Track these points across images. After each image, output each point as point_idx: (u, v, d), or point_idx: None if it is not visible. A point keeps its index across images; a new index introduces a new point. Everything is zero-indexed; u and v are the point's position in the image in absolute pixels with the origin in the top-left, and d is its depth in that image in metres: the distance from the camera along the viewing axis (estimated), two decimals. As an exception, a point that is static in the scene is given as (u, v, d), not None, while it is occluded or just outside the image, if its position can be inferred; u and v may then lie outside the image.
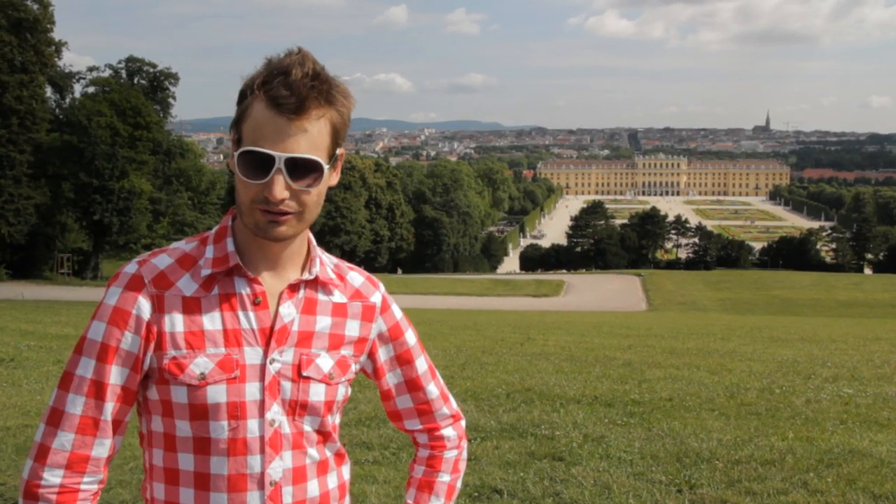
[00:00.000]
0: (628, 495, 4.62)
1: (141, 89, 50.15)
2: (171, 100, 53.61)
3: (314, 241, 1.50)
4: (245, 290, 1.41)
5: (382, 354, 1.58)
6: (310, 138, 1.33)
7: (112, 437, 1.39)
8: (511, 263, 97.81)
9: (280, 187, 1.31)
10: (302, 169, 1.33)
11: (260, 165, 1.31)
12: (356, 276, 1.56)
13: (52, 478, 1.35)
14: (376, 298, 1.56)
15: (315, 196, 1.37)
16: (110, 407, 1.37)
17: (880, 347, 13.45)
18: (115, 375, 1.37)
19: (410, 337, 1.61)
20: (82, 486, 1.37)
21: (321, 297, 1.48)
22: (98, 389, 1.36)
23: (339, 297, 1.51)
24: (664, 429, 6.28)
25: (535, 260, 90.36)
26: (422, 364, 1.62)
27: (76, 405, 1.36)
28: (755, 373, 9.66)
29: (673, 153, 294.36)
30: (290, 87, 1.30)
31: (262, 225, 1.35)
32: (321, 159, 1.34)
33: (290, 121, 1.31)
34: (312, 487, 1.45)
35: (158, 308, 1.38)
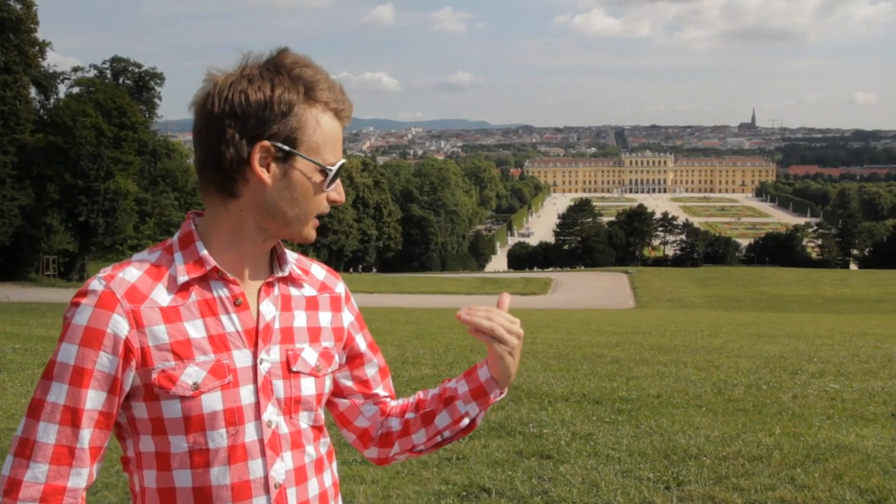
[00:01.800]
0: (616, 493, 4.62)
1: (126, 89, 49.91)
2: (156, 100, 53.47)
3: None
4: (223, 293, 1.39)
5: (360, 343, 1.59)
6: None
7: (90, 465, 1.33)
8: (499, 262, 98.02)
9: (342, 190, 1.44)
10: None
11: (334, 176, 1.40)
12: (319, 270, 1.57)
13: None
14: (340, 289, 1.58)
15: None
16: (87, 434, 1.31)
17: (866, 343, 13.54)
18: (91, 400, 1.31)
19: (367, 329, 1.65)
20: None
21: (294, 292, 1.48)
22: (73, 416, 1.30)
23: (308, 290, 1.51)
24: (652, 426, 6.30)
25: (522, 258, 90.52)
26: (380, 352, 1.66)
27: (49, 434, 1.29)
28: (742, 369, 9.70)
29: (660, 151, 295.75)
30: (343, 97, 1.40)
31: (312, 232, 1.43)
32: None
33: (342, 130, 1.42)
34: (312, 486, 1.43)
35: (136, 323, 1.32)
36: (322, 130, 1.36)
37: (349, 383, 1.59)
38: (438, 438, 1.58)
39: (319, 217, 1.42)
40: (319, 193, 1.39)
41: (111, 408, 1.33)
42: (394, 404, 1.63)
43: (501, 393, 1.57)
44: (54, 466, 1.28)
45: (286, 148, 1.34)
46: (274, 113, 1.33)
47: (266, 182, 1.35)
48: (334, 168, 1.38)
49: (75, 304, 1.33)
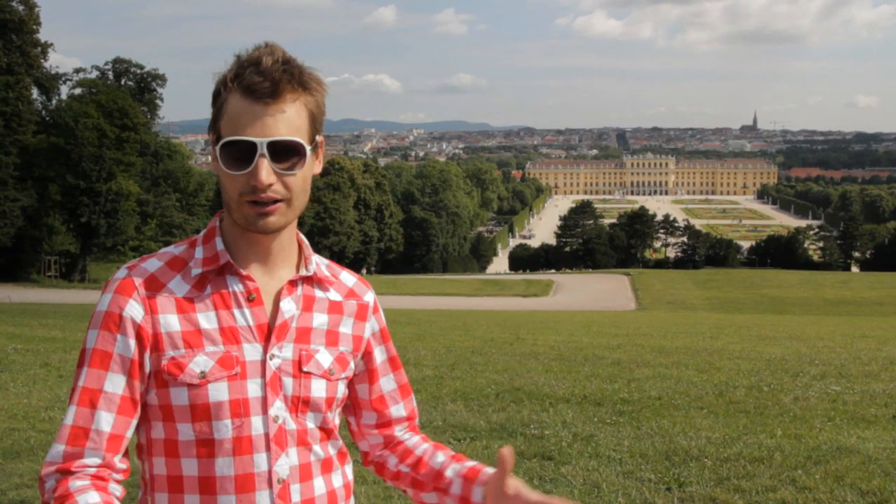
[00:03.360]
0: (618, 494, 4.63)
1: (128, 91, 49.97)
2: (158, 101, 53.49)
3: (306, 241, 1.50)
4: (238, 288, 1.41)
5: (378, 356, 1.58)
6: (288, 121, 1.34)
7: (105, 451, 1.34)
8: (500, 263, 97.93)
9: (266, 171, 1.32)
10: (285, 152, 1.34)
11: (243, 155, 1.32)
12: (349, 277, 1.58)
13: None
14: (369, 298, 1.58)
15: (301, 181, 1.38)
16: (105, 416, 1.34)
17: (867, 345, 13.53)
18: (111, 382, 1.35)
19: (392, 344, 1.63)
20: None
21: (318, 294, 1.49)
22: (91, 397, 1.34)
23: (334, 294, 1.52)
24: (653, 427, 6.30)
25: (524, 260, 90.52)
26: (403, 370, 1.64)
27: (69, 416, 1.34)
28: (743, 371, 9.70)
29: (661, 153, 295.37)
30: (262, 73, 1.32)
31: (252, 218, 1.36)
32: (303, 140, 1.36)
33: (266, 105, 1.32)
34: (319, 485, 1.44)
35: (151, 310, 1.37)
36: (229, 109, 1.34)
37: (364, 397, 1.59)
38: None
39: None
40: (230, 176, 1.34)
41: (133, 393, 1.37)
42: (401, 438, 1.61)
43: None
44: (69, 447, 1.32)
45: (213, 135, 1.38)
46: (213, 101, 1.39)
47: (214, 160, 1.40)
48: (217, 149, 1.34)
49: (100, 294, 1.39)
